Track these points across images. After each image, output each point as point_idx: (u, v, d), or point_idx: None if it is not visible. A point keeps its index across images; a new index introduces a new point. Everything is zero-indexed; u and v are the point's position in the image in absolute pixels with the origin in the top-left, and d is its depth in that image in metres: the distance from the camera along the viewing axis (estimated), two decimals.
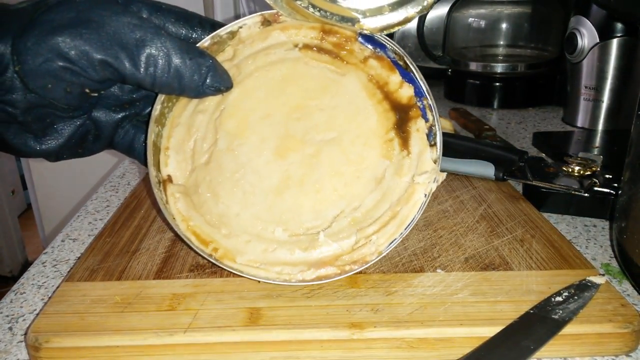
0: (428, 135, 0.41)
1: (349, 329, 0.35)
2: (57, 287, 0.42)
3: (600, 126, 0.83)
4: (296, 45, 0.42)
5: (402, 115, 0.41)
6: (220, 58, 0.40)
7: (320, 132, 0.41)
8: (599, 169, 0.56)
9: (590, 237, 0.52)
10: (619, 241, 0.44)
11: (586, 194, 0.53)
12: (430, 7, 0.41)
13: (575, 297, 0.38)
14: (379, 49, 0.41)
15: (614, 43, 0.78)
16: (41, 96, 0.34)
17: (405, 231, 0.40)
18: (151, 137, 0.39)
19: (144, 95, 0.41)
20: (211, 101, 0.41)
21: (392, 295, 0.39)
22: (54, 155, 0.38)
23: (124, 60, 0.34)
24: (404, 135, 0.41)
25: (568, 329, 0.36)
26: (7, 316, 0.41)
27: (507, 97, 0.99)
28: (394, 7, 0.41)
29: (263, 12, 0.41)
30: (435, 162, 0.40)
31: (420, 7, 0.41)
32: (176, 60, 0.35)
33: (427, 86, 0.40)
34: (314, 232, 0.40)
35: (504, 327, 0.35)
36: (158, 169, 0.40)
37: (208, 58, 0.37)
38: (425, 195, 0.40)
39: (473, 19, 1.05)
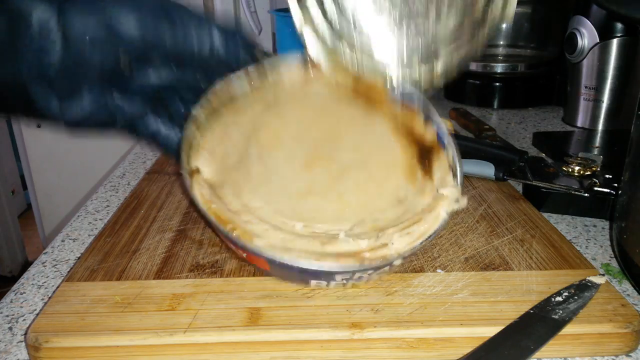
0: (450, 166, 0.43)
1: (349, 329, 0.35)
2: (57, 287, 0.42)
3: (600, 126, 0.83)
4: (331, 87, 0.46)
5: (425, 149, 0.45)
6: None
7: (346, 155, 0.44)
8: (599, 169, 0.56)
9: (590, 237, 0.52)
10: (619, 241, 0.44)
11: (586, 194, 0.53)
12: (456, 65, 0.46)
13: (576, 297, 0.38)
14: (406, 98, 0.45)
15: (614, 43, 0.78)
16: (80, 58, 0.36)
17: (426, 241, 0.40)
18: (187, 135, 0.42)
19: (170, 87, 0.42)
20: (246, 116, 0.44)
21: (392, 295, 0.39)
22: (73, 124, 0.39)
23: (166, 29, 0.36)
24: (426, 164, 0.44)
25: (568, 329, 0.36)
26: (7, 316, 0.41)
27: (507, 97, 0.99)
28: (422, 61, 0.46)
29: (305, 58, 0.46)
30: (456, 186, 0.42)
31: (446, 65, 0.46)
32: (216, 32, 0.37)
33: (448, 128, 0.44)
34: (334, 232, 0.41)
35: (504, 327, 0.35)
36: (188, 161, 0.42)
37: (245, 35, 0.39)
38: (447, 213, 0.41)
39: None
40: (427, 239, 0.39)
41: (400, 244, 0.38)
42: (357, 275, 0.38)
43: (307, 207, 0.41)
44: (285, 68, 0.46)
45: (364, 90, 0.47)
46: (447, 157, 0.44)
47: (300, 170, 0.43)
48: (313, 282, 0.39)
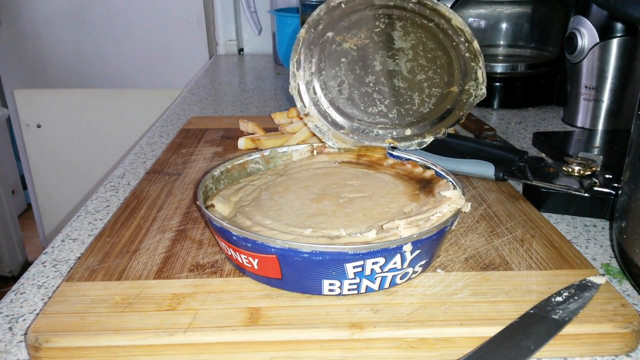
0: (451, 186, 0.47)
1: (349, 329, 0.35)
2: (57, 287, 0.42)
3: (600, 126, 0.83)
4: (336, 162, 0.55)
5: (426, 181, 0.50)
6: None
7: (353, 194, 0.48)
8: (599, 169, 0.56)
9: (590, 237, 0.52)
10: (619, 241, 0.44)
11: (586, 194, 0.53)
12: (444, 135, 0.56)
13: (576, 297, 0.38)
14: (404, 159, 0.54)
15: (614, 43, 0.78)
16: None
17: (440, 236, 0.41)
18: (204, 184, 0.47)
19: None
20: (260, 180, 0.51)
21: (392, 295, 0.39)
22: None
23: None
24: (428, 190, 0.48)
25: (568, 329, 0.36)
26: (7, 316, 0.41)
27: (507, 97, 0.99)
28: (416, 135, 0.57)
29: (313, 144, 0.57)
30: (459, 196, 0.44)
31: (435, 136, 0.57)
32: None
33: (445, 170, 0.49)
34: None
35: (504, 327, 0.35)
36: (204, 200, 0.46)
37: None
38: (450, 209, 0.42)
39: (473, 19, 1.05)
40: (438, 233, 0.40)
41: (407, 233, 0.39)
42: (368, 267, 0.37)
43: (316, 220, 0.43)
44: (296, 153, 0.56)
45: (365, 161, 0.55)
46: (446, 182, 0.48)
47: (309, 203, 0.46)
48: (326, 284, 0.38)
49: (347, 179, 0.51)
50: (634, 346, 0.37)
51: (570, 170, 0.56)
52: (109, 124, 1.53)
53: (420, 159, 0.53)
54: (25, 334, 0.38)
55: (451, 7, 1.03)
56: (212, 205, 0.46)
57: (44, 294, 0.44)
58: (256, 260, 0.39)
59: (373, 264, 0.37)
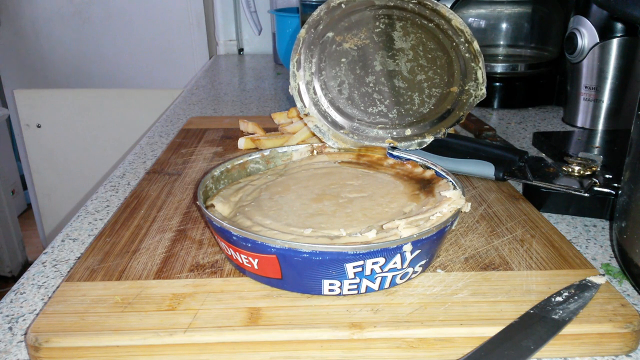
0: (451, 186, 0.47)
1: (349, 329, 0.35)
2: (57, 287, 0.42)
3: (600, 126, 0.83)
4: (336, 162, 0.55)
5: (426, 181, 0.50)
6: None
7: (353, 194, 0.48)
8: (599, 169, 0.56)
9: (590, 237, 0.52)
10: (619, 241, 0.44)
11: (586, 194, 0.53)
12: (444, 135, 0.57)
13: (576, 297, 0.38)
14: (404, 159, 0.54)
15: (614, 43, 0.78)
16: None
17: (439, 236, 0.41)
18: (204, 184, 0.47)
19: None
20: (260, 180, 0.51)
21: (392, 295, 0.39)
22: None
23: None
24: (428, 190, 0.48)
25: (568, 329, 0.36)
26: (7, 316, 0.41)
27: (507, 97, 0.99)
28: (416, 135, 0.57)
29: (313, 144, 0.57)
30: (459, 196, 0.44)
31: (435, 136, 0.57)
32: None
33: (445, 170, 0.49)
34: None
35: (504, 327, 0.35)
36: (204, 200, 0.46)
37: None
38: (450, 209, 0.42)
39: (473, 19, 1.05)
40: (437, 234, 0.40)
41: (407, 233, 0.39)
42: (368, 267, 0.37)
43: (316, 220, 0.43)
44: (296, 153, 0.56)
45: (365, 161, 0.55)
46: (446, 182, 0.48)
47: (309, 203, 0.46)
48: (326, 284, 0.38)
49: (347, 179, 0.51)
50: (634, 346, 0.37)
51: (570, 170, 0.56)
52: (109, 124, 1.53)
53: (420, 159, 0.53)
54: (25, 334, 0.38)
55: (451, 8, 1.03)
56: (212, 205, 0.46)
57: (44, 294, 0.44)
58: (256, 260, 0.39)
59: (373, 264, 0.37)
